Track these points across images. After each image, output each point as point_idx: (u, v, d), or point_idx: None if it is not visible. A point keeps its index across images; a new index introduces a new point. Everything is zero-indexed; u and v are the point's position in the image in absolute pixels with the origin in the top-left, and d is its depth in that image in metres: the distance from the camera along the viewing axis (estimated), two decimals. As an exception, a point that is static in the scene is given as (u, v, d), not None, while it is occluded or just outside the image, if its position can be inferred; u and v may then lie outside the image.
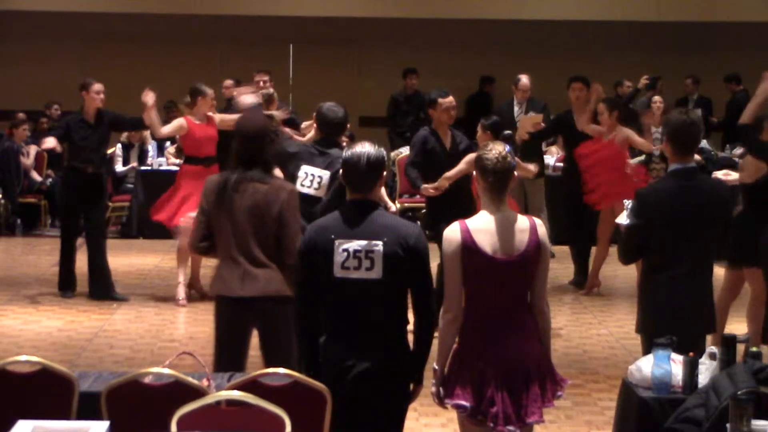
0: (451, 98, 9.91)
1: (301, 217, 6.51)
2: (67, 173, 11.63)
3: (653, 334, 6.11)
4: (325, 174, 7.71)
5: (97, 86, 11.37)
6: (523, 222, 5.26)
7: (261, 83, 12.38)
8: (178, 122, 11.46)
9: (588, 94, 12.29)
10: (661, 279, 6.23)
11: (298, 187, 7.61)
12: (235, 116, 10.76)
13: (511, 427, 5.13)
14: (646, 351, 6.29)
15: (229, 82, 13.53)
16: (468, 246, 5.17)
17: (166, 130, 11.55)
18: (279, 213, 6.20)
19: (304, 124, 11.52)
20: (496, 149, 5.27)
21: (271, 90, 11.88)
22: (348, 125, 8.33)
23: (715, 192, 6.40)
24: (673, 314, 6.21)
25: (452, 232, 5.22)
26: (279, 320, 6.19)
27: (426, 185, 9.60)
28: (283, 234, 6.21)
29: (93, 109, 11.35)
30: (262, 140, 6.36)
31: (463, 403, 5.17)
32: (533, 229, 5.24)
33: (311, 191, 7.69)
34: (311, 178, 7.73)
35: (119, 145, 15.65)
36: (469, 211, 6.10)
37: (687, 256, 6.23)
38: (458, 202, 9.30)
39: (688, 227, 6.20)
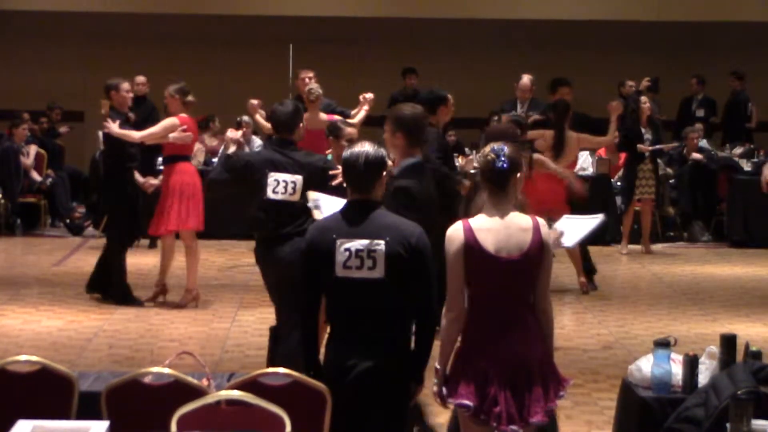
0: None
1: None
2: (129, 175, 11.27)
3: None
4: (298, 178, 7.57)
5: (127, 84, 11.35)
6: (525, 221, 5.26)
7: (306, 79, 12.47)
8: (171, 121, 11.06)
9: (571, 98, 12.28)
10: None
11: (270, 195, 7.53)
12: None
13: (514, 427, 5.13)
14: None
15: (307, 74, 12.86)
16: (471, 245, 5.17)
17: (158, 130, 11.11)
18: None
19: (352, 112, 11.61)
20: (485, 149, 5.32)
21: (317, 85, 11.87)
22: (300, 122, 8.11)
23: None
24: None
25: (455, 231, 5.22)
26: None
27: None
28: None
29: (125, 107, 11.36)
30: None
31: (467, 402, 5.16)
32: (536, 229, 5.24)
33: (286, 197, 7.56)
34: (284, 185, 7.57)
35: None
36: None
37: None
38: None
39: (435, 219, 6.36)
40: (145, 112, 14.59)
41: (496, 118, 13.98)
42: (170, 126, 11.00)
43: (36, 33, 18.79)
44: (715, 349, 6.00)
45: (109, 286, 11.33)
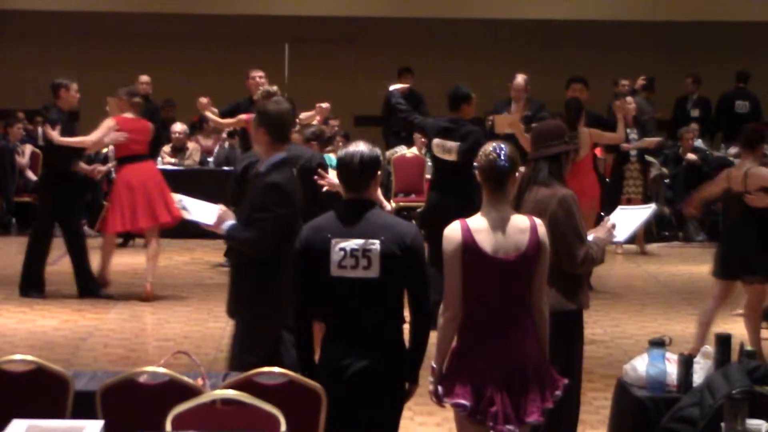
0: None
1: None
2: (71, 174, 11.50)
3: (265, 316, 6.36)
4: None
5: (76, 85, 11.55)
6: (523, 222, 5.26)
7: (257, 79, 12.40)
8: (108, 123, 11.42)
9: (587, 95, 12.27)
10: (282, 267, 6.29)
11: None
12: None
13: (510, 427, 5.13)
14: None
15: (257, 74, 12.84)
16: (468, 245, 5.17)
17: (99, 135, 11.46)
18: (550, 221, 5.80)
19: (302, 115, 11.59)
20: (486, 147, 5.31)
21: (275, 87, 11.87)
22: (296, 119, 8.08)
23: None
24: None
25: (452, 231, 5.21)
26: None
27: None
28: (559, 244, 5.86)
29: (72, 107, 11.62)
30: (552, 140, 6.16)
31: (463, 402, 5.16)
32: (533, 229, 5.24)
33: None
34: None
35: (111, 146, 15.60)
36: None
37: None
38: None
39: (299, 214, 6.48)
40: (148, 112, 14.60)
41: (490, 118, 13.99)
42: (109, 127, 11.35)
43: (32, 32, 18.78)
44: (710, 348, 6.01)
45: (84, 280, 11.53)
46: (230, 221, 6.41)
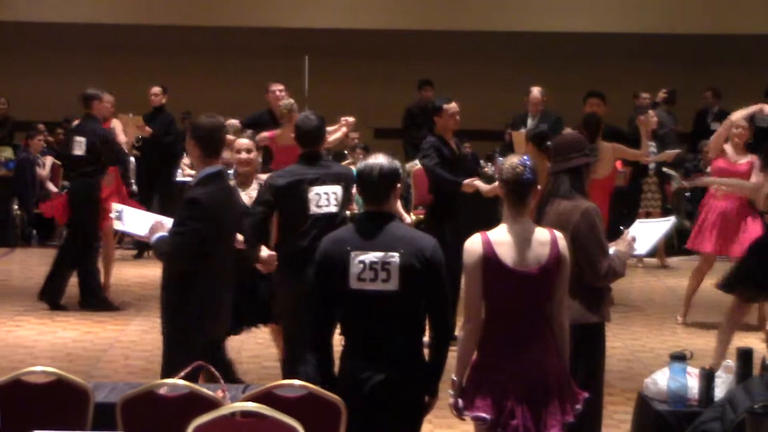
0: (455, 104, 10.13)
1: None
2: (95, 184, 11.60)
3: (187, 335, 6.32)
4: (338, 189, 7.50)
5: (108, 95, 11.79)
6: (544, 235, 5.26)
7: (277, 92, 12.42)
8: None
9: (605, 109, 12.23)
10: (204, 281, 6.31)
11: (314, 209, 7.40)
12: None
13: (531, 440, 5.12)
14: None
15: (277, 87, 12.87)
16: (489, 258, 5.17)
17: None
18: (572, 234, 5.86)
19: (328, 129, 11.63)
20: (512, 160, 5.31)
21: (292, 100, 11.89)
22: (325, 134, 8.03)
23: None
24: (215, 315, 6.45)
25: (473, 244, 5.22)
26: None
27: (469, 181, 9.72)
28: (581, 256, 5.90)
29: (103, 117, 11.83)
30: (572, 153, 6.17)
31: (484, 415, 5.16)
32: (554, 242, 5.24)
33: (330, 209, 7.45)
34: (326, 197, 7.47)
35: (131, 158, 15.66)
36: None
37: (230, 255, 6.53)
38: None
39: (232, 228, 6.53)
40: (164, 123, 14.63)
41: (508, 132, 13.99)
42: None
43: (52, 45, 18.86)
44: (731, 362, 5.99)
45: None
46: (160, 233, 6.43)
